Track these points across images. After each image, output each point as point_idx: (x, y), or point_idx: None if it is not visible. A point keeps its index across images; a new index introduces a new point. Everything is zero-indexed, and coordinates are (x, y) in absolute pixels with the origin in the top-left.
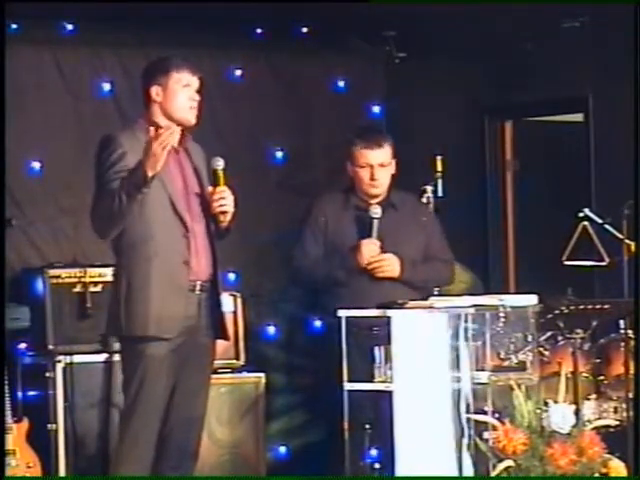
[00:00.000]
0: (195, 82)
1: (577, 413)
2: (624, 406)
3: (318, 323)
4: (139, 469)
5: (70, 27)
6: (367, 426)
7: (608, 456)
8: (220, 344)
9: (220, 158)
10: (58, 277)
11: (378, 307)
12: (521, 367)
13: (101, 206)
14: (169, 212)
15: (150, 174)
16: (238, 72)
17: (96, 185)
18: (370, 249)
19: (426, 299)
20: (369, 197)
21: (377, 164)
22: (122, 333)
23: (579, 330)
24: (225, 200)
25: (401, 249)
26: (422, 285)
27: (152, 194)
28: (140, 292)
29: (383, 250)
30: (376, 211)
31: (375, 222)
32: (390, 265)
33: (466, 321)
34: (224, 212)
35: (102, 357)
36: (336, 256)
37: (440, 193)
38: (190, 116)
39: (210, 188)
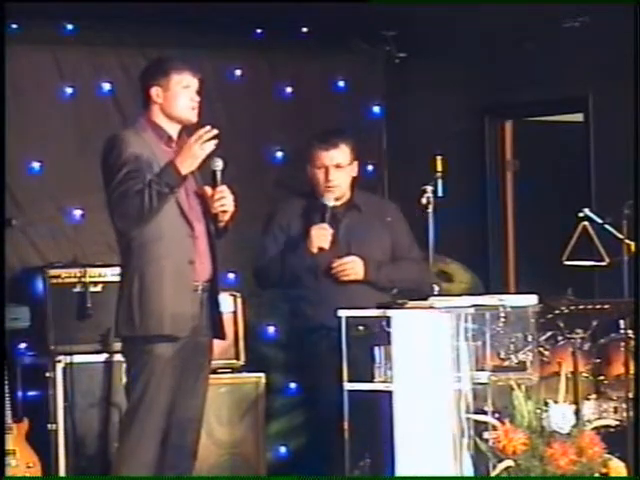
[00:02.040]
0: (195, 83)
1: (577, 413)
2: (624, 406)
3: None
4: (142, 470)
5: (70, 27)
6: (367, 426)
7: (608, 456)
8: (220, 344)
9: (219, 159)
10: (58, 277)
11: (378, 307)
12: (521, 367)
13: (127, 205)
14: (176, 212)
15: (184, 173)
16: (238, 72)
17: (110, 185)
18: (320, 234)
19: (425, 299)
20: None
21: (332, 165)
22: (136, 332)
23: (579, 330)
24: (226, 200)
25: (366, 251)
26: (389, 285)
27: None
28: (153, 292)
29: (347, 253)
30: (329, 197)
31: (328, 209)
32: (353, 268)
33: (466, 321)
34: (225, 211)
35: (102, 357)
36: (295, 256)
37: (440, 193)
38: (191, 116)
39: (209, 188)
